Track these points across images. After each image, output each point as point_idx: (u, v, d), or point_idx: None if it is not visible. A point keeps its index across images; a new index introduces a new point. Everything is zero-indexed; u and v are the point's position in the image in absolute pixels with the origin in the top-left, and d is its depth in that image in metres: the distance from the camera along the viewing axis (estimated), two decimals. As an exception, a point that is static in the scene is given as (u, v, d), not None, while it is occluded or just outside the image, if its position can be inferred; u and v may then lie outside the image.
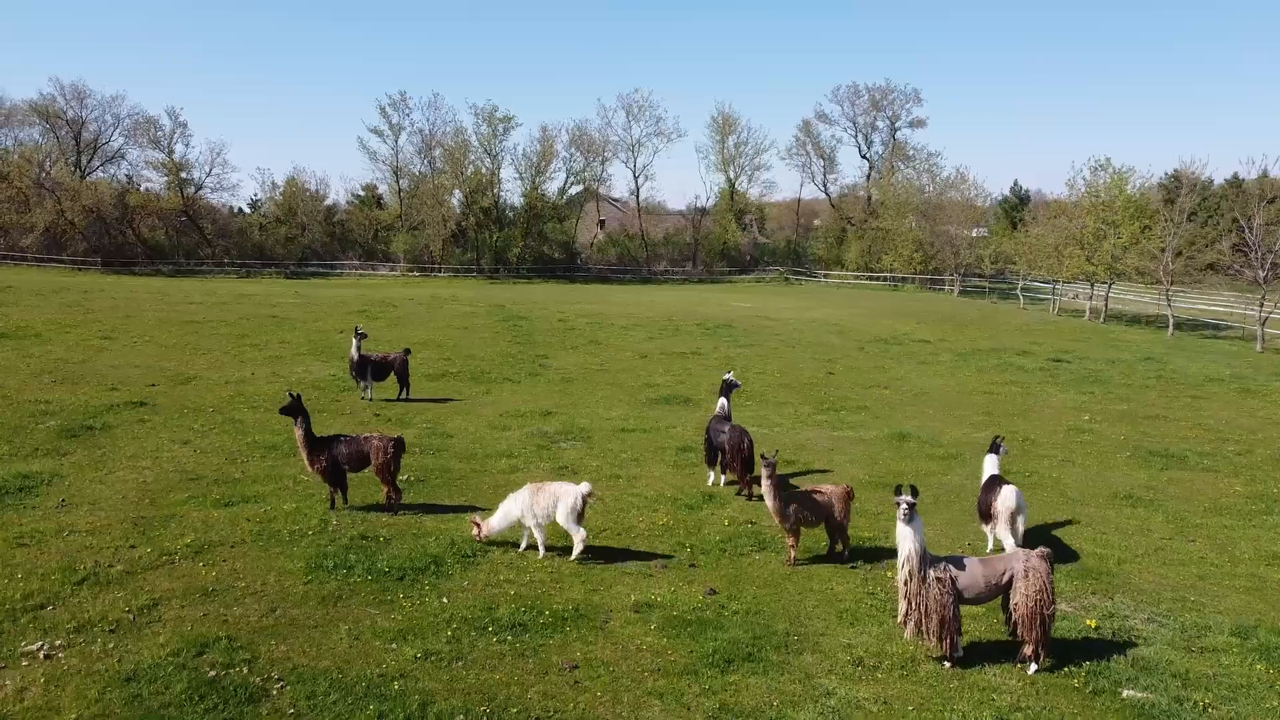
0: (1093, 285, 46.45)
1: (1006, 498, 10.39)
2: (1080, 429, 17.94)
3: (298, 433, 11.24)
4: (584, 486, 10.00)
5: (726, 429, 12.85)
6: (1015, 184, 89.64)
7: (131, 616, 7.96)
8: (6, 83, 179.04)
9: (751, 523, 11.37)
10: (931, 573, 7.74)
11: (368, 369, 18.36)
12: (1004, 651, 8.03)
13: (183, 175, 74.04)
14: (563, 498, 9.89)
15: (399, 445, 11.28)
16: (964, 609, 7.98)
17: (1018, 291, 56.30)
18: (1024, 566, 7.78)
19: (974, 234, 70.47)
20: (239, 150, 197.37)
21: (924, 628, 7.78)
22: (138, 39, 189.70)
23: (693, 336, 32.13)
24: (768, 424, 17.46)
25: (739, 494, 12.70)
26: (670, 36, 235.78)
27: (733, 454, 12.58)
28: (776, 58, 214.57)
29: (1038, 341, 34.36)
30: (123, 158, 77.61)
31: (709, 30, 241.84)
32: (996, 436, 11.77)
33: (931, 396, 21.44)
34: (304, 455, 11.27)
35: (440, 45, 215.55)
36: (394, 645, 7.67)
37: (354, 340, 18.57)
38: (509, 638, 7.93)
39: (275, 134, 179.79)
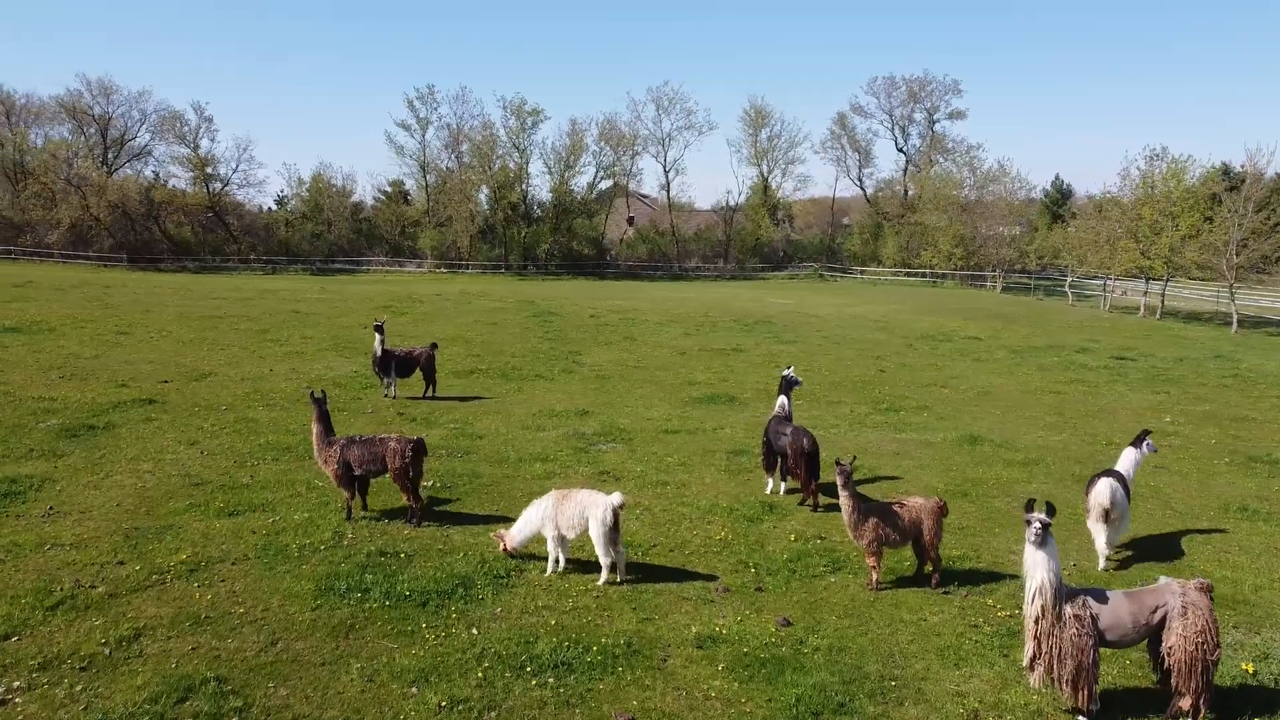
0: (1147, 280, 44.43)
1: (1099, 492, 9.30)
2: (1165, 432, 16.33)
3: (315, 429, 10.03)
4: (615, 497, 8.52)
5: (789, 430, 11.41)
6: (1057, 178, 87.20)
7: (108, 651, 6.75)
8: (31, 80, 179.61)
9: (821, 538, 9.99)
10: (1068, 609, 6.33)
11: (391, 365, 17.11)
12: (1150, 702, 6.61)
13: (208, 171, 73.75)
14: (591, 510, 8.43)
15: (419, 448, 9.94)
16: (1104, 652, 6.58)
17: (1066, 288, 54.18)
18: (1181, 602, 6.35)
19: (1015, 231, 68.24)
20: (266, 147, 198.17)
21: (1056, 675, 6.37)
22: (163, 36, 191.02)
23: (731, 332, 30.72)
24: (824, 425, 16.04)
25: (803, 503, 11.28)
26: (702, 27, 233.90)
27: (795, 458, 11.12)
28: (811, 49, 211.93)
29: (1095, 339, 32.59)
30: (149, 154, 77.48)
31: (741, 20, 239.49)
32: (1145, 430, 10.56)
33: (995, 396, 19.90)
34: (317, 455, 10.06)
35: (468, 38, 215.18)
36: (414, 689, 6.40)
37: (376, 335, 17.30)
38: (551, 680, 6.63)
39: (302, 130, 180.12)
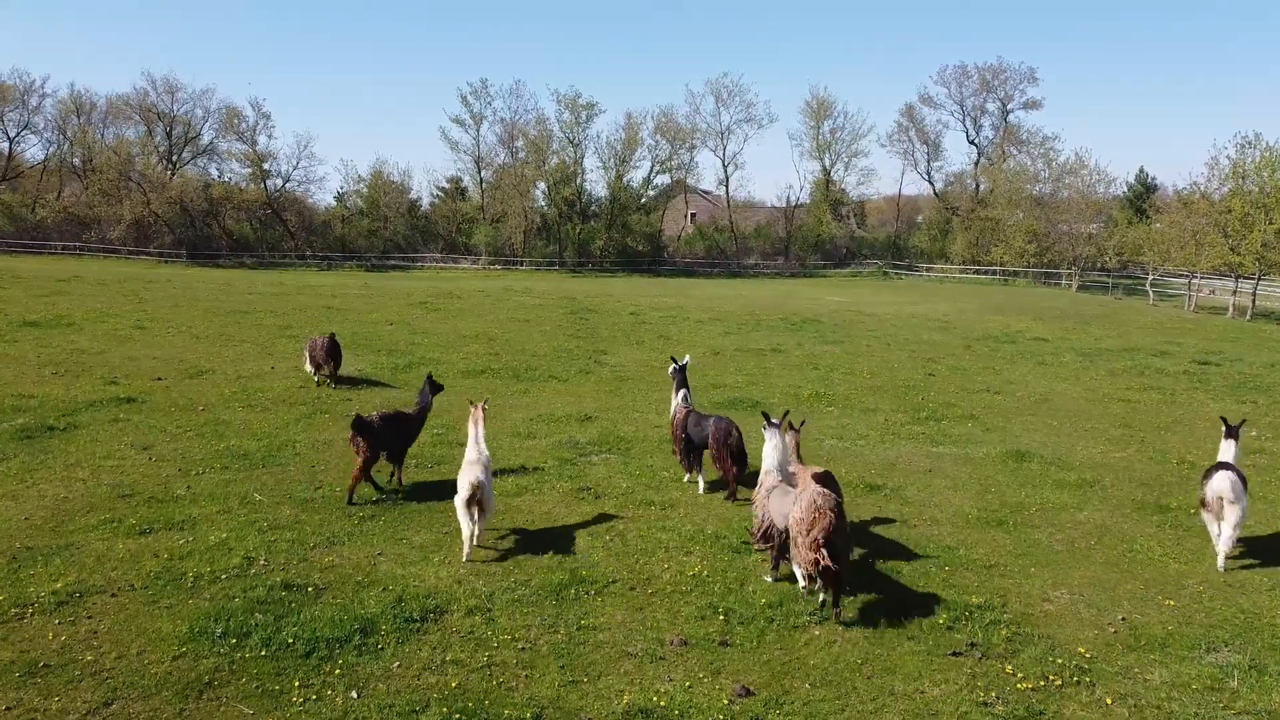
0: (1237, 279, 41.11)
1: (1218, 484, 8.86)
2: (1250, 449, 14.20)
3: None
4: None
5: (710, 421, 10.89)
6: (1141, 171, 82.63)
7: (-96, 709, 5.61)
8: (100, 79, 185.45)
9: (811, 578, 8.40)
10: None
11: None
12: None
13: (265, 167, 74.59)
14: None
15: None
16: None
17: (1147, 287, 50.75)
18: None
19: (1093, 227, 64.51)
20: (326, 142, 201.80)
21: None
22: (226, 34, 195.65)
23: (774, 332, 29.01)
24: (849, 436, 14.36)
25: (727, 498, 10.70)
26: (761, 15, 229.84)
27: (718, 449, 10.60)
28: (876, 37, 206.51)
29: (1176, 341, 29.96)
30: (213, 151, 78.85)
31: (802, 7, 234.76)
32: (1241, 421, 10.08)
33: (1054, 403, 17.89)
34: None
35: (522, 31, 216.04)
36: (248, 777, 5.09)
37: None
38: (424, 769, 5.25)
39: (360, 126, 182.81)
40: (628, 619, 7.40)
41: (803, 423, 10.08)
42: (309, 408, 14.76)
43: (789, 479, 8.55)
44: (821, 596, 7.65)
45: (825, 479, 8.28)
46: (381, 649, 6.68)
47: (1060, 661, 6.87)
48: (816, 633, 7.26)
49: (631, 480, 11.38)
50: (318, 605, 7.32)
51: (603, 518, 9.88)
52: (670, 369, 12.42)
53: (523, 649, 6.80)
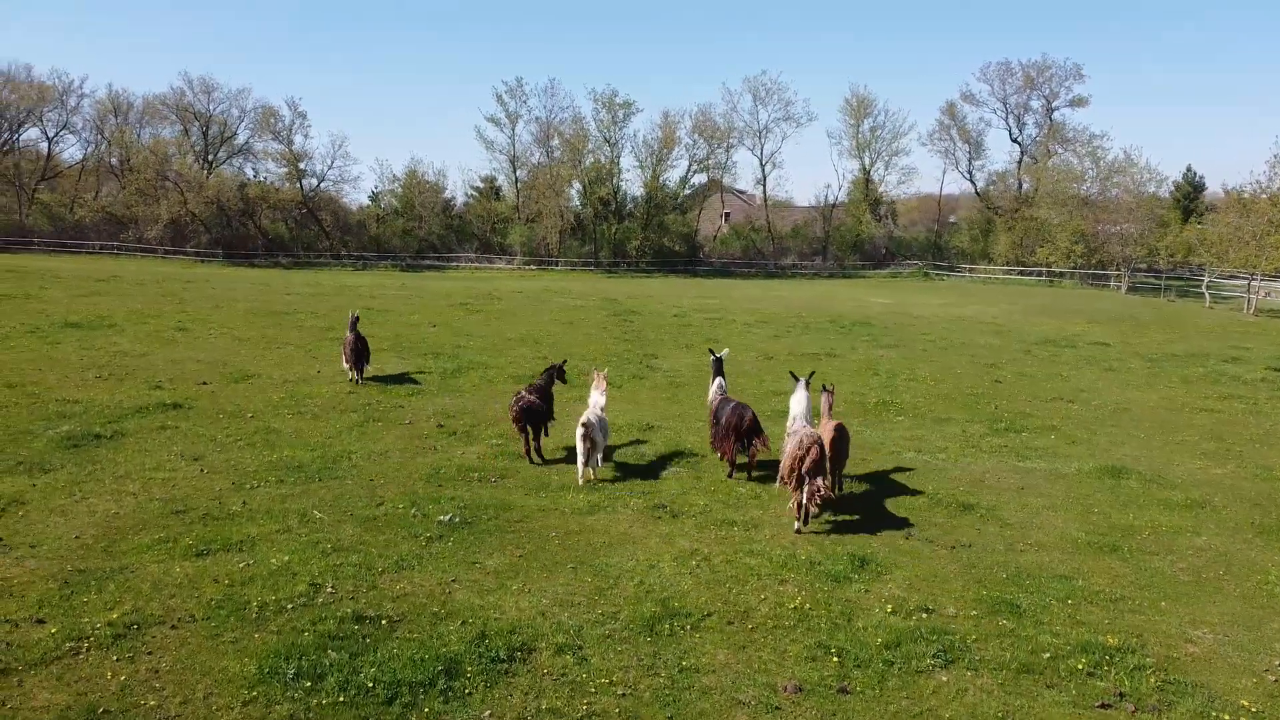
0: (1300, 280, 39.69)
1: None
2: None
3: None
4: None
5: (730, 406, 11.56)
6: (1188, 169, 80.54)
7: (-46, 763, 5.05)
8: (137, 79, 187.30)
9: (928, 609, 7.67)
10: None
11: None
12: None
13: (301, 167, 74.72)
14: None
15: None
16: None
17: (1203, 289, 49.14)
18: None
19: (1143, 227, 62.74)
20: (359, 142, 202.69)
21: None
22: (261, 35, 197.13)
23: (825, 335, 28.17)
24: (928, 448, 13.57)
25: (729, 476, 11.46)
26: (800, 11, 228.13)
27: (727, 430, 11.27)
28: (917, 33, 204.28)
29: (1243, 346, 28.74)
30: (249, 151, 79.15)
31: (841, 3, 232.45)
32: None
33: (1134, 414, 16.97)
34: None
35: (558, 28, 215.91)
36: None
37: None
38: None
39: (395, 125, 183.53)
40: (731, 659, 6.72)
41: (833, 387, 11.88)
42: (360, 415, 14.22)
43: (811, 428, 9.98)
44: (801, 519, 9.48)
45: (839, 430, 10.44)
46: (469, 694, 6.04)
47: (1226, 717, 6.10)
48: (944, 678, 6.53)
49: (707, 497, 10.68)
50: (394, 641, 6.70)
51: (683, 539, 9.20)
52: (711, 359, 13.64)
53: (623, 695, 6.13)
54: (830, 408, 11.06)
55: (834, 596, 7.91)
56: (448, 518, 9.39)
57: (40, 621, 6.81)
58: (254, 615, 7.03)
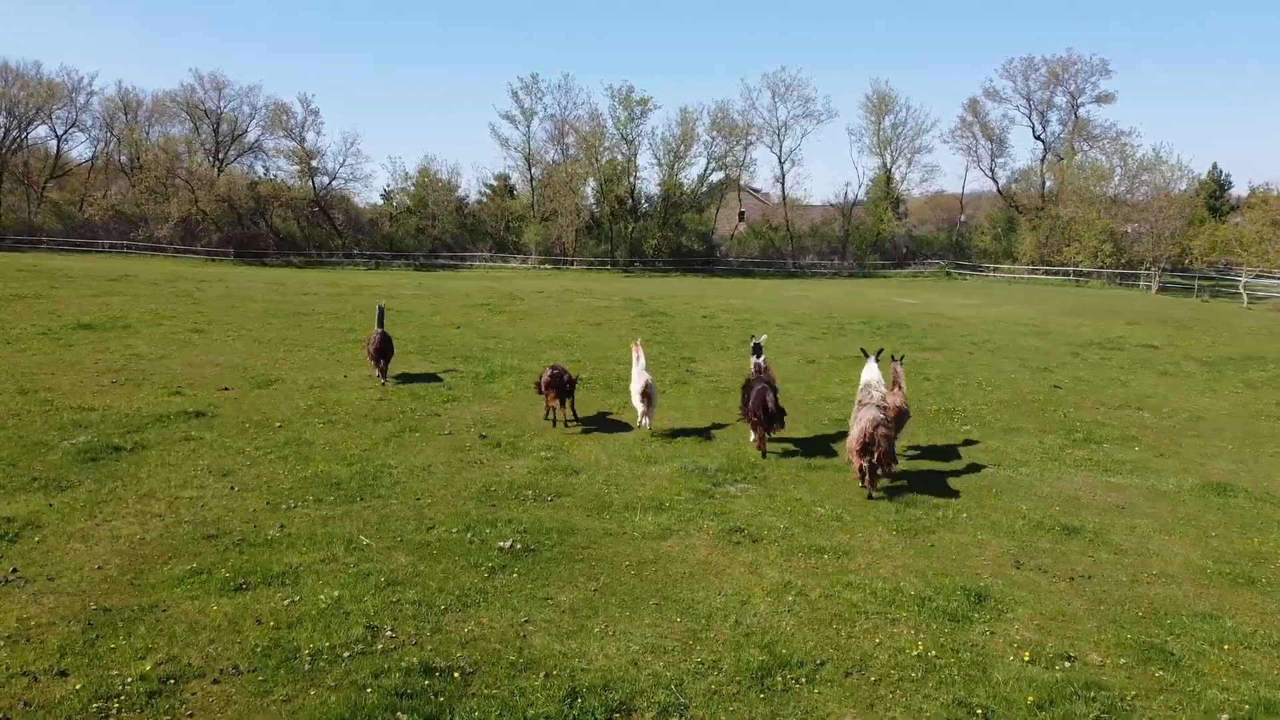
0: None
1: None
2: None
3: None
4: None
5: (756, 386, 12.27)
6: (1214, 167, 79.14)
7: None
8: (148, 76, 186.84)
9: (1070, 657, 6.70)
10: None
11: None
12: None
13: (313, 164, 73.95)
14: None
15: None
16: None
17: (1240, 288, 47.89)
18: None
19: (1174, 225, 61.45)
20: (372, 139, 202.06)
21: None
22: (274, 30, 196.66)
23: (862, 337, 27.14)
24: (1008, 462, 12.58)
25: (759, 446, 12.35)
26: (819, 7, 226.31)
27: (754, 409, 12.07)
28: (939, 28, 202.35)
29: (1297, 348, 27.62)
30: (260, 149, 78.42)
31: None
32: None
33: (1211, 423, 15.95)
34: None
35: (574, 23, 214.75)
36: None
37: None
38: None
39: (407, 122, 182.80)
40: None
41: (902, 357, 13.49)
42: (396, 424, 13.29)
43: (882, 400, 10.98)
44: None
45: (901, 410, 11.91)
46: (566, 772, 5.10)
47: None
48: (1115, 749, 5.56)
49: (785, 519, 9.72)
50: (472, 700, 5.76)
51: (771, 570, 8.25)
52: (750, 343, 14.25)
53: (745, 771, 5.17)
54: (901, 377, 12.54)
55: (958, 640, 6.95)
56: (508, 544, 8.46)
57: (63, 674, 5.90)
58: (306, 666, 6.11)
